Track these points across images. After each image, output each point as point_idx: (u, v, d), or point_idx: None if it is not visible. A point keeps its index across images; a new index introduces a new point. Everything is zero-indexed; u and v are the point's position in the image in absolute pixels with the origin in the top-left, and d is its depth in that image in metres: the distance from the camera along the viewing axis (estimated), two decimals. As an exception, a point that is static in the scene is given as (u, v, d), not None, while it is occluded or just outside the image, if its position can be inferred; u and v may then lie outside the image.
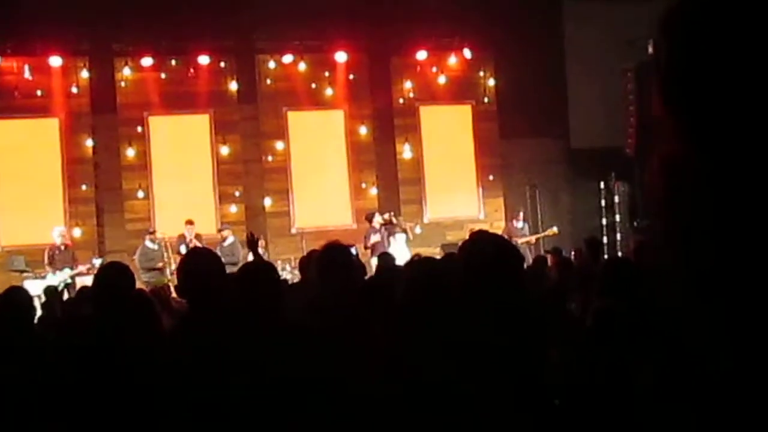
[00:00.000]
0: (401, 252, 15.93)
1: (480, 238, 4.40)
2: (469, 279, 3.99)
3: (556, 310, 6.56)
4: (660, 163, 1.10)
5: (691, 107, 1.05)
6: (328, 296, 4.90)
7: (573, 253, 13.50)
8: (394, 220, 17.74)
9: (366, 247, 16.84)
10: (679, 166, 1.06)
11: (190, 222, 16.79)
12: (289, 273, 15.93)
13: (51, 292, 10.73)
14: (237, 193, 19.07)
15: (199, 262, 4.18)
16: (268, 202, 19.19)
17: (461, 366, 3.72)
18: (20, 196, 17.90)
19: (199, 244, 15.99)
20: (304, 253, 13.61)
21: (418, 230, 18.73)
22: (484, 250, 4.06)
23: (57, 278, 15.34)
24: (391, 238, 17.47)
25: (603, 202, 20.13)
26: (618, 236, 19.64)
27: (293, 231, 19.03)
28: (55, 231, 16.61)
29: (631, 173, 19.87)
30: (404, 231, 17.73)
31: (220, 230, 17.40)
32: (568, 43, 19.98)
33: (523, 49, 19.21)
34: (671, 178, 1.07)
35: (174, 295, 10.50)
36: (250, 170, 19.26)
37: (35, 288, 12.71)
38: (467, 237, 4.67)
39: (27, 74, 17.92)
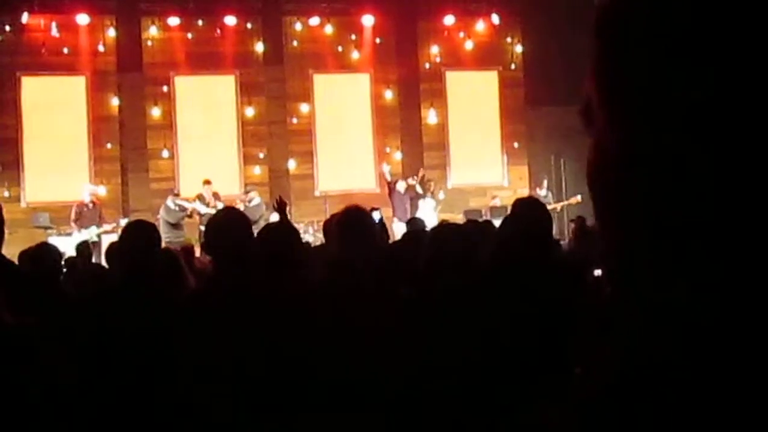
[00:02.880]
0: (428, 217, 15.91)
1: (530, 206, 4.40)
2: (508, 246, 3.98)
3: (578, 279, 6.53)
4: (592, 149, 1.12)
5: (621, 96, 1.07)
6: (348, 259, 4.90)
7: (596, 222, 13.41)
8: (419, 189, 17.78)
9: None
10: (607, 152, 1.09)
11: (207, 182, 16.89)
12: (312, 236, 15.97)
13: (83, 248, 10.79)
14: (261, 155, 19.10)
15: (229, 221, 4.18)
16: (292, 164, 19.21)
17: (486, 335, 3.73)
18: (45, 154, 18.01)
19: (218, 203, 16.17)
20: (328, 216, 13.69)
21: (441, 196, 18.71)
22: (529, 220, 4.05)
23: (83, 235, 15.40)
24: (420, 201, 17.61)
25: (629, 172, 19.95)
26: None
27: (317, 194, 19.05)
28: (85, 188, 16.71)
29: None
30: (431, 193, 17.83)
31: (246, 191, 17.47)
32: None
33: (552, 16, 19.05)
34: (601, 164, 1.09)
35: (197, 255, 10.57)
36: (275, 132, 19.27)
37: (60, 245, 12.79)
38: (513, 204, 4.65)
39: (54, 32, 17.96)
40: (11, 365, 3.82)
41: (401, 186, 17.47)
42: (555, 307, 3.97)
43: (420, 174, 18.14)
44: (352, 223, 4.98)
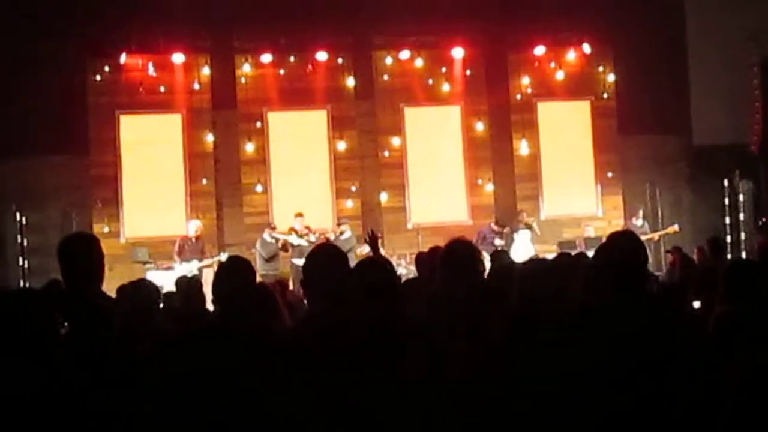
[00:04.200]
0: (524, 250, 16.01)
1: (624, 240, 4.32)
2: (600, 282, 3.91)
3: (679, 311, 6.38)
4: None
5: None
6: (453, 293, 4.83)
7: (696, 252, 13.16)
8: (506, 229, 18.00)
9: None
10: None
11: (299, 214, 17.09)
12: (405, 268, 15.95)
13: (184, 283, 10.91)
14: (353, 188, 19.19)
15: (328, 258, 4.15)
16: (384, 197, 19.26)
17: (580, 377, 3.66)
18: (143, 190, 18.40)
19: (311, 236, 16.39)
20: (420, 249, 13.72)
21: (535, 226, 18.60)
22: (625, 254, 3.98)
23: (185, 269, 15.68)
24: (515, 235, 17.84)
25: (727, 201, 19.53)
26: (742, 236, 19.08)
27: (409, 226, 19.06)
28: (191, 224, 17.22)
29: (756, 171, 19.29)
30: (529, 227, 17.92)
31: (339, 224, 17.63)
32: (689, 38, 19.50)
33: (644, 44, 18.86)
34: None
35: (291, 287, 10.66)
36: (367, 165, 19.36)
37: (158, 279, 13.05)
38: (606, 238, 4.57)
39: (151, 71, 18.38)
40: (114, 394, 3.90)
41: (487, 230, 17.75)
42: (653, 342, 3.88)
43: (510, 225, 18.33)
44: (456, 257, 4.90)
